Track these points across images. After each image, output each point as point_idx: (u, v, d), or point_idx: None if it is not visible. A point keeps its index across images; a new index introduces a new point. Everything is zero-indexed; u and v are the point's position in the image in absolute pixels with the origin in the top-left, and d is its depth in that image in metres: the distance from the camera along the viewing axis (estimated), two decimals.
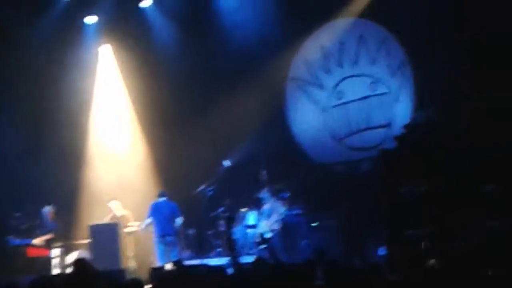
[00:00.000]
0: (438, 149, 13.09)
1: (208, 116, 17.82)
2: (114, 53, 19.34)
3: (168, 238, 16.69)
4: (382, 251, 14.04)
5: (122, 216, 17.37)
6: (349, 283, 6.50)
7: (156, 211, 16.81)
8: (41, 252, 16.82)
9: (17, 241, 16.84)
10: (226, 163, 17.85)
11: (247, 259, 13.99)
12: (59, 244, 16.99)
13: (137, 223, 17.23)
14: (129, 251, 17.03)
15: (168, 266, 10.28)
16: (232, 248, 8.94)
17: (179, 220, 16.78)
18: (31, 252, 16.79)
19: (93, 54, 19.19)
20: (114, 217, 17.39)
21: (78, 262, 8.78)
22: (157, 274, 9.94)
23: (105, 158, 19.10)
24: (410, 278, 7.15)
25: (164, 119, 18.51)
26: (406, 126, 14.69)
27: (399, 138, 14.33)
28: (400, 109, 17.17)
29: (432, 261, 7.18)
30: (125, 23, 18.78)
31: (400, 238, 12.76)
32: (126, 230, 17.13)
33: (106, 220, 17.35)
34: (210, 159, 17.83)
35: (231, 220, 9.87)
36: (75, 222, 18.13)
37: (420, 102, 16.45)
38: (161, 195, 17.05)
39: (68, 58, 18.43)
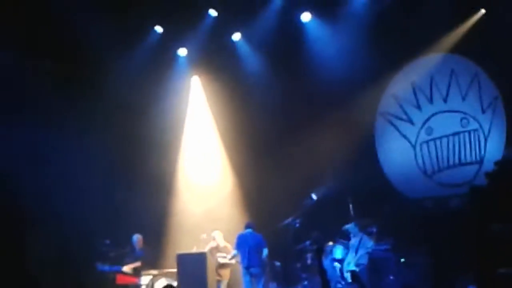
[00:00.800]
0: None
1: (296, 149, 17.87)
2: (204, 85, 19.61)
3: (254, 270, 16.73)
4: None
5: (225, 247, 17.52)
6: None
7: (242, 242, 16.89)
8: (130, 280, 17.04)
9: (106, 267, 17.09)
10: (314, 195, 17.87)
11: None
12: (147, 272, 17.19)
13: (224, 254, 17.35)
14: (224, 282, 17.15)
15: None
16: (324, 280, 8.90)
17: (265, 252, 16.81)
18: (120, 279, 17.03)
19: (184, 85, 19.50)
20: (217, 246, 17.52)
21: None
22: None
23: (193, 189, 19.34)
24: None
25: (252, 151, 18.64)
26: (497, 163, 14.43)
27: (490, 175, 14.08)
28: (491, 146, 16.94)
29: None
30: (216, 55, 19.03)
31: (491, 276, 12.51)
32: (223, 261, 17.24)
33: (207, 248, 17.42)
34: (297, 191, 17.87)
35: (320, 251, 9.84)
36: (163, 250, 18.35)
37: None
38: (247, 226, 17.13)
39: (160, 89, 18.77)
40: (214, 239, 17.60)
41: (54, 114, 17.28)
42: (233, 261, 17.30)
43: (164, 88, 18.91)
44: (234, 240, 17.04)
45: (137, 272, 17.09)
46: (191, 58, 19.34)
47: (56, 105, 17.21)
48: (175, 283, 16.57)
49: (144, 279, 17.14)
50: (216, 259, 17.21)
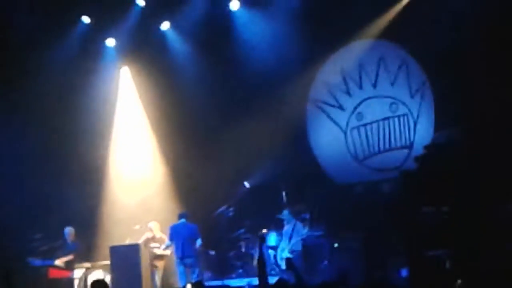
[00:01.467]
0: (460, 169, 13.02)
1: (228, 138, 17.85)
2: (134, 75, 19.45)
3: (188, 260, 16.69)
4: (404, 272, 13.97)
5: (160, 238, 17.39)
6: None
7: (176, 233, 16.81)
8: (63, 273, 16.86)
9: (38, 262, 16.88)
10: (247, 184, 17.91)
11: (269, 279, 13.99)
12: (80, 265, 17.03)
13: (157, 244, 17.26)
14: (158, 273, 17.05)
15: (188, 287, 10.31)
16: (262, 268, 8.91)
17: (198, 242, 16.78)
18: (53, 273, 16.84)
19: (114, 76, 19.31)
20: (153, 237, 17.37)
21: (95, 284, 8.79)
22: None
23: (125, 180, 19.19)
24: None
25: (184, 141, 18.57)
26: (427, 147, 14.62)
27: (420, 159, 14.27)
28: (421, 130, 17.14)
29: (459, 282, 7.15)
30: (145, 45, 18.90)
31: (422, 259, 12.68)
32: (158, 252, 17.13)
33: (142, 238, 17.28)
34: (230, 180, 17.90)
35: (263, 239, 9.88)
36: (96, 242, 18.18)
37: (441, 122, 16.41)
38: (180, 217, 17.05)
39: (89, 80, 18.55)
40: (150, 230, 17.47)
41: None
42: (167, 252, 17.22)
43: (93, 79, 18.71)
44: (168, 231, 16.94)
45: (70, 266, 16.91)
46: (120, 48, 19.15)
47: None
48: (108, 276, 16.46)
49: (77, 272, 16.99)
50: (151, 250, 17.08)
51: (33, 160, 17.73)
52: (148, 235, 17.35)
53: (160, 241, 17.31)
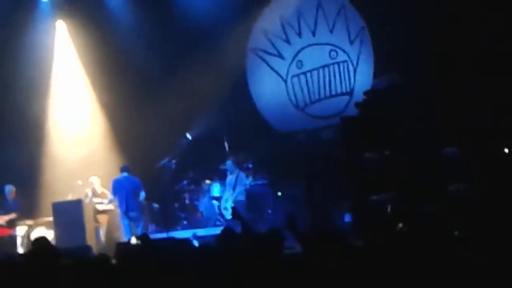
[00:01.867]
0: (400, 113, 13.14)
1: (168, 89, 17.66)
2: (70, 30, 19.10)
3: (132, 213, 16.60)
4: (348, 217, 14.12)
5: (102, 193, 17.22)
6: (318, 249, 6.52)
7: (118, 187, 16.67)
8: (5, 232, 16.68)
9: None
10: (189, 135, 17.84)
11: (214, 230, 14.03)
12: (23, 222, 16.86)
13: (100, 199, 17.13)
14: (102, 228, 16.95)
15: (133, 241, 10.24)
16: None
17: (142, 195, 16.70)
18: None
19: (50, 30, 18.94)
20: (95, 193, 17.19)
21: (37, 241, 8.67)
22: (122, 248, 9.88)
23: (66, 135, 18.95)
24: (376, 243, 7.18)
25: (124, 94, 18.33)
26: (366, 93, 14.72)
27: (360, 105, 14.36)
28: (361, 76, 17.23)
29: (400, 225, 7.22)
30: None
31: (364, 204, 12.82)
32: (101, 207, 17.00)
33: (85, 194, 17.12)
34: (171, 132, 17.80)
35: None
36: (38, 199, 17.96)
37: (380, 68, 16.49)
38: (122, 170, 16.90)
39: (24, 34, 18.15)
40: (91, 184, 17.33)
41: None
42: (110, 206, 17.11)
43: (29, 33, 18.28)
44: (110, 185, 16.82)
45: (11, 224, 16.73)
46: (55, 2, 18.75)
47: None
48: (51, 233, 16.32)
49: (20, 230, 16.81)
50: (94, 206, 16.95)
51: None
52: (89, 191, 17.21)
53: (102, 196, 17.17)
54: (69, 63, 19.22)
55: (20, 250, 16.30)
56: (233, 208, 11.68)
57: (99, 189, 17.27)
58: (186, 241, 10.34)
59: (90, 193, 17.13)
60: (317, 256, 6.52)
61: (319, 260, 6.52)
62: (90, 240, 16.11)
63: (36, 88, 18.42)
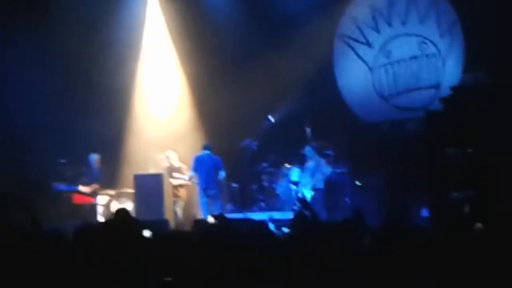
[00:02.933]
0: (486, 112, 12.95)
1: (255, 71, 17.75)
2: (161, 4, 19.30)
3: (211, 192, 16.77)
4: (425, 212, 14.01)
5: (179, 167, 17.43)
6: (392, 243, 6.50)
7: (199, 164, 16.85)
8: (87, 199, 16.99)
9: (63, 187, 17.00)
10: (272, 118, 17.91)
11: (290, 214, 14.08)
12: (104, 192, 17.19)
13: (180, 175, 17.32)
14: (180, 203, 17.16)
15: (210, 219, 10.38)
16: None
17: (222, 174, 16.85)
18: (77, 199, 16.98)
19: (140, 5, 19.17)
20: (171, 167, 17.42)
21: (119, 212, 8.86)
22: (199, 226, 10.02)
23: (151, 109, 19.22)
24: (453, 240, 7.13)
25: (210, 73, 18.49)
26: (453, 88, 14.53)
27: (446, 100, 14.19)
28: (449, 71, 17.01)
29: (479, 224, 7.15)
30: None
31: (443, 200, 12.70)
32: (177, 182, 17.22)
33: (160, 168, 17.38)
34: (255, 114, 17.88)
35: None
36: (121, 171, 18.31)
37: (470, 64, 16.24)
38: (204, 148, 17.06)
39: (115, 9, 18.41)
40: (167, 158, 17.54)
41: (8, 32, 16.99)
42: (189, 182, 17.29)
43: (119, 7, 18.55)
44: (191, 161, 17.00)
45: (94, 192, 17.06)
46: None
47: (12, 23, 16.92)
48: (131, 204, 16.61)
49: (101, 199, 17.14)
50: (171, 180, 17.15)
51: (61, 87, 17.71)
52: (166, 164, 17.41)
53: (179, 170, 17.33)
54: (158, 39, 19.44)
55: (101, 219, 16.59)
56: (300, 199, 11.79)
57: (177, 163, 17.44)
58: (263, 224, 10.42)
59: (166, 166, 17.33)
60: (387, 251, 6.51)
61: (390, 255, 6.50)
62: (168, 214, 16.36)
63: (125, 62, 18.68)
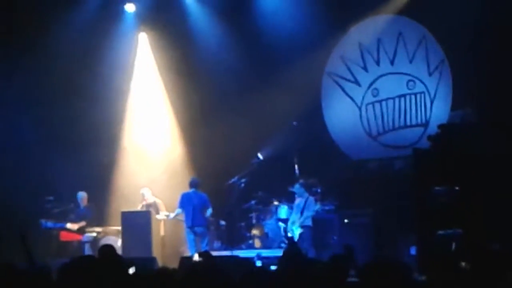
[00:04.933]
0: (473, 150, 12.97)
1: (242, 109, 17.78)
2: (151, 42, 19.39)
3: (198, 229, 16.75)
4: (413, 250, 13.97)
5: (154, 203, 17.41)
6: (378, 281, 6.46)
7: (186, 201, 16.84)
8: (74, 237, 16.97)
9: (50, 224, 16.99)
10: (260, 155, 17.91)
11: (278, 252, 14.02)
12: (91, 229, 17.14)
13: (167, 213, 17.29)
14: (157, 239, 17.09)
15: (196, 257, 10.34)
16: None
17: (209, 211, 16.83)
18: (64, 236, 16.96)
19: (132, 42, 19.26)
20: (147, 204, 17.42)
21: (103, 249, 8.81)
22: (185, 263, 9.99)
23: (139, 147, 19.20)
24: (439, 279, 7.10)
25: (200, 110, 18.55)
26: (441, 126, 14.56)
27: (433, 138, 14.21)
28: (437, 109, 17.05)
29: (463, 264, 7.12)
30: (164, 11, 18.81)
31: (431, 238, 12.68)
32: (157, 217, 17.16)
33: (138, 207, 17.42)
34: (243, 151, 17.85)
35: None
36: (108, 208, 18.25)
37: (458, 102, 16.29)
38: (191, 184, 17.03)
39: (106, 45, 18.48)
40: (142, 195, 17.54)
41: None
42: (165, 217, 17.24)
43: (111, 44, 18.63)
44: (178, 198, 16.96)
45: (81, 230, 17.02)
46: (139, 14, 19.09)
47: None
48: (119, 241, 16.54)
49: (88, 237, 17.08)
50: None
51: (48, 125, 17.73)
52: (143, 202, 17.41)
53: (154, 206, 17.32)
54: (148, 76, 19.50)
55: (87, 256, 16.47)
56: (289, 238, 11.78)
57: (151, 199, 17.43)
58: (249, 261, 10.40)
59: (143, 204, 17.33)
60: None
61: None
62: (156, 252, 16.30)
63: (114, 99, 18.71)
